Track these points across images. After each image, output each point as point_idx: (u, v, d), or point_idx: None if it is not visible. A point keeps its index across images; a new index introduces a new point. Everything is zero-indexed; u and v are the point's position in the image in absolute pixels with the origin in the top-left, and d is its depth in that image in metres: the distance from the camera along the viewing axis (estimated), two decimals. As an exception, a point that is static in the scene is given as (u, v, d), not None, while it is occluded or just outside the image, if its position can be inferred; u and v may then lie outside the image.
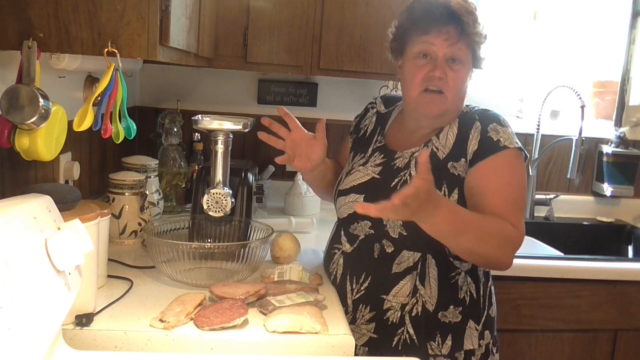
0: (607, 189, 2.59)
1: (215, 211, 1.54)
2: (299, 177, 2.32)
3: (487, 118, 1.38)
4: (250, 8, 2.04)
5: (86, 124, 1.18)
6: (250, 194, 1.76)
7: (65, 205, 1.09)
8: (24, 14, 1.09)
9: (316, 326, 1.16)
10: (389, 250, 1.39)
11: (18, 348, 0.74)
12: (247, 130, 1.58)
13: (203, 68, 2.23)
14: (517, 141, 1.36)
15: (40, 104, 1.09)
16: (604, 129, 2.66)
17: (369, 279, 1.40)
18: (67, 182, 1.61)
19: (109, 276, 1.39)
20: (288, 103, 2.46)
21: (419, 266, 1.37)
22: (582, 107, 2.38)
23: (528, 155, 1.42)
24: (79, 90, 1.65)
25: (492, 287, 1.49)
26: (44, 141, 1.15)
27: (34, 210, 0.91)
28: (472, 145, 1.35)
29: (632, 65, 2.61)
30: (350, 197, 1.47)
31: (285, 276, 1.42)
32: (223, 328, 1.14)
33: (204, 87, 2.45)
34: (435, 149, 1.39)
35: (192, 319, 1.18)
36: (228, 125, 1.56)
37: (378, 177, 1.44)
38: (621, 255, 2.55)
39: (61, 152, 1.32)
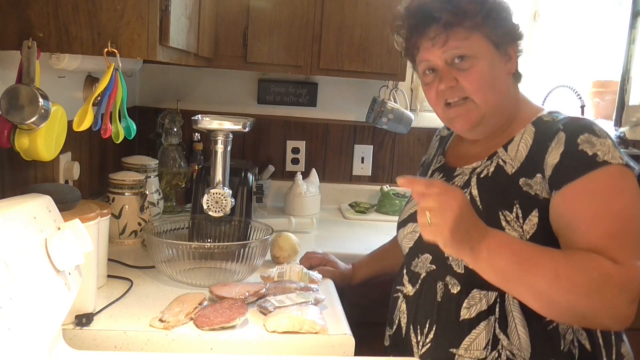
0: (607, 189, 2.59)
1: (215, 211, 1.54)
2: (299, 177, 2.33)
3: (577, 127, 1.08)
4: (250, 8, 2.04)
5: (86, 124, 1.18)
6: (250, 194, 1.76)
7: (65, 205, 1.09)
8: (24, 14, 1.09)
9: (316, 326, 1.16)
10: (455, 290, 1.14)
11: (18, 348, 0.74)
12: (246, 130, 1.58)
13: (203, 68, 2.23)
14: (622, 155, 1.05)
15: (40, 104, 1.09)
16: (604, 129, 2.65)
17: (434, 328, 1.15)
18: (67, 182, 1.61)
19: (109, 276, 1.39)
20: (288, 103, 2.46)
21: (497, 309, 1.10)
22: (582, 107, 2.38)
23: None
24: (78, 90, 1.65)
25: (623, 335, 1.16)
26: (43, 141, 1.15)
27: (34, 210, 0.91)
28: (552, 158, 1.07)
29: (632, 65, 2.61)
30: (408, 227, 1.26)
31: (285, 276, 1.42)
32: (223, 328, 1.14)
33: (204, 87, 2.45)
34: (502, 162, 1.15)
35: (192, 319, 1.18)
36: (228, 125, 1.56)
37: None
38: (621, 255, 2.54)
39: (61, 152, 1.32)
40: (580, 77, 2.66)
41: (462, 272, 1.12)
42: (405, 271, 1.26)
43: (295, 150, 2.50)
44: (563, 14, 2.64)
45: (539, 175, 1.08)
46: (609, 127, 2.65)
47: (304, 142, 2.51)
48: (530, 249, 1.02)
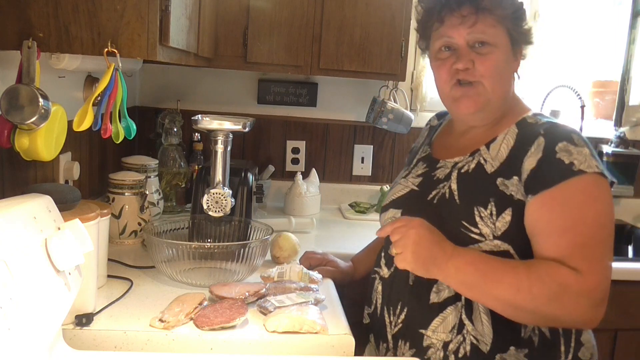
0: (607, 188, 2.59)
1: (215, 211, 1.54)
2: (299, 176, 2.33)
3: (556, 134, 1.12)
4: (250, 8, 2.04)
5: (86, 124, 1.18)
6: (250, 194, 1.76)
7: (65, 205, 1.09)
8: (24, 14, 1.09)
9: (316, 326, 1.16)
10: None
11: (18, 348, 0.74)
12: (246, 130, 1.58)
13: (203, 68, 2.23)
14: (599, 164, 1.10)
15: (40, 104, 1.09)
16: (604, 129, 2.65)
17: (405, 310, 1.21)
18: (67, 182, 1.61)
19: (109, 276, 1.39)
20: (288, 103, 2.46)
21: (463, 296, 1.15)
22: (582, 107, 2.38)
23: (615, 181, 1.15)
24: (78, 90, 1.65)
25: None
26: (43, 141, 1.15)
27: (34, 210, 0.91)
28: (529, 163, 1.12)
29: (632, 65, 2.61)
30: (389, 212, 1.32)
31: (285, 276, 1.42)
32: (223, 328, 1.14)
33: (204, 87, 2.45)
34: (482, 161, 1.20)
35: (192, 319, 1.18)
36: (228, 125, 1.56)
37: (417, 189, 1.29)
38: (621, 255, 2.54)
39: (61, 152, 1.32)
40: (580, 77, 2.66)
41: None
42: (383, 254, 1.31)
43: (295, 150, 2.50)
44: (563, 14, 2.64)
45: (515, 177, 1.14)
46: (609, 127, 2.65)
47: (304, 142, 2.51)
48: (494, 265, 1.09)
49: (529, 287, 1.05)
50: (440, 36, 1.22)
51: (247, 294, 1.27)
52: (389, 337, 1.24)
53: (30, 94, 1.09)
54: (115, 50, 1.11)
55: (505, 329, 1.13)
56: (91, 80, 1.68)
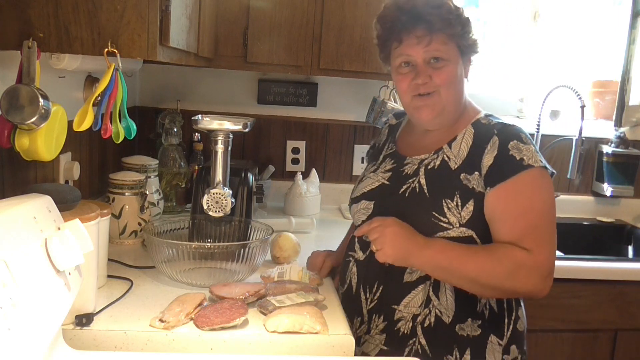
0: (607, 189, 2.59)
1: (215, 211, 1.54)
2: (299, 177, 2.33)
3: (508, 134, 1.31)
4: (250, 8, 2.04)
5: (86, 124, 1.18)
6: (250, 194, 1.76)
7: (65, 205, 1.09)
8: (24, 14, 1.09)
9: (316, 326, 1.16)
10: None
11: (18, 348, 0.74)
12: (247, 130, 1.58)
13: (203, 68, 2.23)
14: (542, 159, 1.30)
15: (40, 104, 1.09)
16: (604, 129, 2.66)
17: (381, 288, 1.35)
18: (67, 182, 1.61)
19: (109, 276, 1.39)
20: (288, 103, 2.46)
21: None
22: (582, 107, 2.38)
23: (555, 172, 1.34)
24: (79, 90, 1.65)
25: (521, 301, 1.42)
26: (44, 141, 1.15)
27: (34, 210, 0.91)
28: (487, 160, 1.29)
29: (632, 65, 2.61)
30: (361, 204, 1.45)
31: (285, 276, 1.42)
32: (223, 328, 1.15)
33: (204, 87, 2.45)
34: (446, 158, 1.35)
35: (192, 319, 1.18)
36: (228, 125, 1.56)
37: (387, 183, 1.42)
38: (621, 255, 2.55)
39: (61, 152, 1.32)
40: (580, 77, 2.66)
41: None
42: (356, 239, 1.44)
43: (295, 150, 2.50)
44: (563, 14, 2.64)
45: (476, 173, 1.30)
46: (609, 127, 2.65)
47: (304, 142, 2.51)
48: (460, 251, 1.27)
49: (490, 268, 1.24)
50: (400, 54, 1.35)
51: (247, 294, 1.27)
52: (364, 312, 1.38)
53: (31, 94, 1.09)
54: (115, 50, 1.11)
55: (465, 304, 1.31)
56: (91, 80, 1.68)
